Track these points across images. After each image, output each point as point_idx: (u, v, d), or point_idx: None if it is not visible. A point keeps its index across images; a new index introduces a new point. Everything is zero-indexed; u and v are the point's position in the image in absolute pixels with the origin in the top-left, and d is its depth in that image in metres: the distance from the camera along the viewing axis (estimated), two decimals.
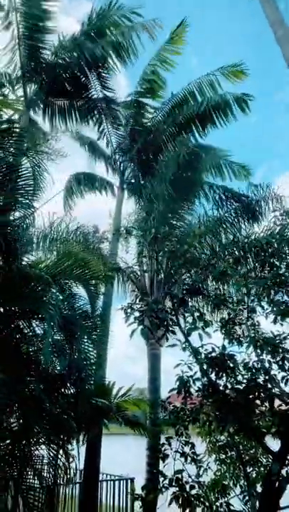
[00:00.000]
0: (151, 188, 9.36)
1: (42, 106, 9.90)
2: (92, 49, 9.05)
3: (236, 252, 5.27)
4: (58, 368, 5.94)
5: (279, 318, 4.29)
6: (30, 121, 9.39)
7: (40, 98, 9.60)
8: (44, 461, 5.59)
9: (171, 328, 4.78)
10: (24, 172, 5.79)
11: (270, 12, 7.05)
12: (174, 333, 4.75)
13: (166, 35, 10.00)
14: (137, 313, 4.77)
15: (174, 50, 10.04)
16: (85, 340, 5.93)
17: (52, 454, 5.54)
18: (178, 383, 4.72)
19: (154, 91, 10.40)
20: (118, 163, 11.01)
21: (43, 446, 5.58)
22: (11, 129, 5.37)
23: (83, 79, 9.85)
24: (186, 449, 4.94)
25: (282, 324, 4.41)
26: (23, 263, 6.06)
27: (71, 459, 5.76)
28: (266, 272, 4.80)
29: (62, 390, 6.00)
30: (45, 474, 5.44)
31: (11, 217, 5.90)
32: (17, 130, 5.62)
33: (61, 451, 5.55)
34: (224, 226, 8.95)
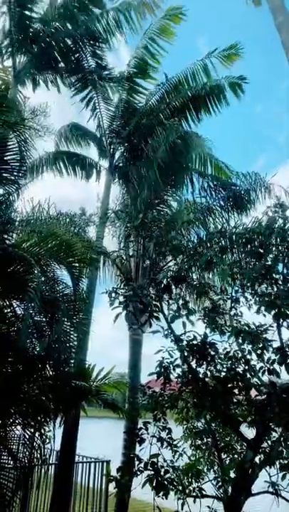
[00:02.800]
0: (138, 172, 9.19)
1: (31, 79, 9.53)
2: (86, 21, 8.70)
3: (223, 242, 5.23)
4: (38, 349, 5.86)
5: (263, 309, 4.29)
6: (18, 95, 9.03)
7: (30, 71, 9.22)
8: (20, 441, 5.56)
9: (155, 314, 4.75)
10: (11, 147, 5.57)
11: None
12: (157, 318, 4.73)
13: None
14: (121, 298, 4.72)
15: (166, 31, 9.66)
16: (66, 323, 5.85)
17: (28, 435, 5.51)
18: (158, 368, 4.73)
19: (146, 71, 10.10)
20: (108, 145, 10.75)
21: (19, 427, 5.54)
22: None
23: (76, 54, 9.50)
24: (163, 434, 4.98)
25: (264, 315, 4.42)
26: (7, 242, 5.89)
27: (47, 441, 5.75)
28: (252, 262, 4.79)
29: (41, 371, 5.94)
30: (20, 455, 5.41)
31: None
32: (5, 102, 5.37)
33: (37, 433, 5.52)
34: (212, 215, 8.89)
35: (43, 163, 10.65)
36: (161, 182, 8.73)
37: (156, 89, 10.24)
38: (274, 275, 4.54)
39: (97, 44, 9.54)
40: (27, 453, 5.51)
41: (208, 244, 5.21)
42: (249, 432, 4.63)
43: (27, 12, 8.74)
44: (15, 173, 5.58)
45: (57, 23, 8.89)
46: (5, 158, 5.36)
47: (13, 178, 5.57)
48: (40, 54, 9.03)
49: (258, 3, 9.91)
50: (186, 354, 4.61)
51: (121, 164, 10.60)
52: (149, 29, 9.68)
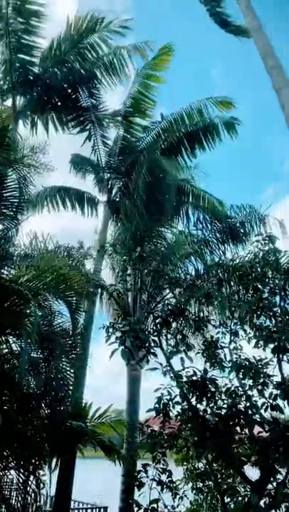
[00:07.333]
0: (135, 207, 9.35)
1: (31, 119, 9.93)
2: (81, 66, 9.24)
3: (220, 275, 5.25)
4: (33, 387, 5.71)
5: (261, 343, 4.24)
6: (18, 134, 9.36)
7: (30, 110, 9.63)
8: (13, 486, 5.29)
9: (152, 351, 4.66)
10: (10, 183, 5.71)
11: (261, 44, 7.28)
12: (155, 355, 4.64)
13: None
14: (118, 333, 4.65)
15: (155, 75, 10.28)
16: (63, 360, 5.74)
17: (21, 480, 5.25)
18: (157, 405, 4.60)
19: (142, 110, 10.60)
20: (106, 180, 11.01)
21: (13, 471, 5.29)
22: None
23: (73, 94, 9.98)
24: (163, 477, 4.76)
25: (264, 349, 4.36)
26: (3, 276, 5.89)
27: (42, 485, 5.47)
28: (249, 295, 4.78)
29: (37, 410, 5.75)
30: (13, 501, 5.13)
31: None
32: (4, 140, 5.55)
33: (32, 477, 5.27)
34: (209, 247, 8.97)
35: (43, 198, 10.83)
36: (157, 216, 8.89)
37: (153, 126, 10.67)
38: (272, 308, 4.53)
39: (93, 87, 10.04)
40: (20, 499, 5.23)
41: (206, 277, 5.23)
42: (252, 471, 4.44)
43: (26, 57, 9.26)
44: (13, 209, 5.67)
45: (53, 68, 9.42)
46: (4, 195, 5.47)
47: (12, 213, 5.66)
48: (39, 95, 9.48)
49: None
50: (185, 391, 4.50)
51: (118, 199, 10.80)
52: (141, 71, 10.24)
